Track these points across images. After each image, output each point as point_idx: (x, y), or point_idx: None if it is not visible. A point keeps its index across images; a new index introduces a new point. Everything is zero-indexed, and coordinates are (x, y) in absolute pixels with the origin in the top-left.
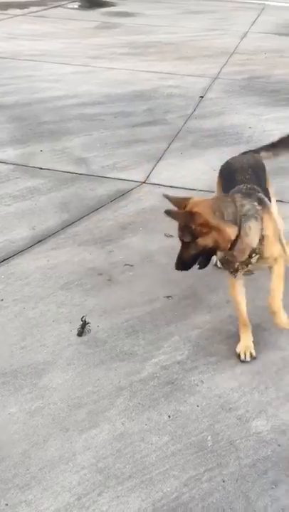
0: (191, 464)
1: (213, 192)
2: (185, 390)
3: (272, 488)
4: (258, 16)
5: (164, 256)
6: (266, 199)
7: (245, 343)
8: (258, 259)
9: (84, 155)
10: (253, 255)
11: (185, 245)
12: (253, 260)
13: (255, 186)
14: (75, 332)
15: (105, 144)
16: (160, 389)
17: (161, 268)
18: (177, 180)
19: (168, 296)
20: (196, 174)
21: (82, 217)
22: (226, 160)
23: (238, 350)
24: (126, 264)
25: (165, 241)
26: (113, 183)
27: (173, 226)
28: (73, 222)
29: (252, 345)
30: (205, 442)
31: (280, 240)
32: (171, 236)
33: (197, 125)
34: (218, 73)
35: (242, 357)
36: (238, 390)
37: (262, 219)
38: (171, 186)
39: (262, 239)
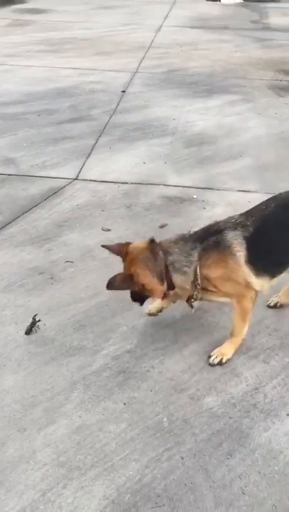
0: (150, 446)
1: (142, 184)
2: (137, 377)
3: (228, 458)
4: (170, 10)
5: (104, 250)
6: (232, 238)
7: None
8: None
9: (11, 155)
10: (192, 300)
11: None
12: (195, 304)
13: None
14: (22, 333)
15: (32, 142)
16: (113, 379)
17: (102, 262)
18: (108, 175)
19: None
20: (127, 168)
21: (16, 218)
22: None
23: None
24: (67, 261)
25: (103, 235)
26: (44, 181)
27: (110, 220)
28: (8, 224)
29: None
30: (161, 424)
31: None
32: (108, 230)
33: (122, 119)
34: (138, 67)
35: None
36: (188, 371)
37: (195, 269)
38: (103, 181)
39: (198, 286)
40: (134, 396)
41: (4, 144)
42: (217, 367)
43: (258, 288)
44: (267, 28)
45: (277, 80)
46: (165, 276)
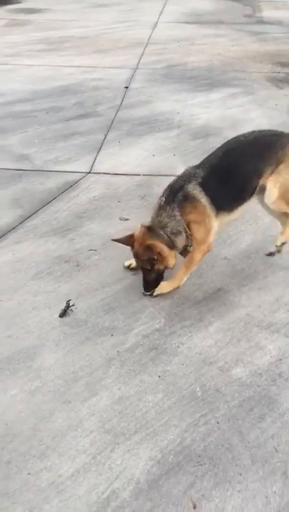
0: (186, 413)
1: (154, 175)
2: (168, 353)
3: (260, 421)
4: (164, 6)
5: None
6: (195, 190)
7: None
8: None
9: (24, 151)
10: (188, 249)
11: (146, 272)
12: (191, 248)
13: (202, 170)
14: (56, 316)
15: (43, 139)
16: (146, 355)
17: (123, 249)
18: (120, 168)
19: (136, 273)
20: (137, 161)
21: (37, 211)
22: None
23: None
24: (90, 250)
25: (121, 224)
26: (60, 175)
27: (127, 210)
28: (29, 216)
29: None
30: (195, 393)
31: None
32: (126, 219)
33: (128, 114)
34: (138, 64)
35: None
36: (215, 346)
37: (183, 224)
38: (115, 174)
39: (190, 236)
40: (167, 369)
41: (17, 141)
42: (242, 340)
43: (215, 231)
44: (261, 21)
45: (275, 72)
46: (171, 243)
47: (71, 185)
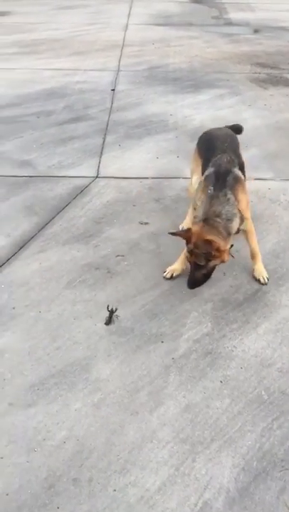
0: (258, 417)
1: (163, 178)
2: (224, 357)
3: None
4: (131, 8)
5: (149, 242)
6: (238, 172)
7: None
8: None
9: (25, 157)
10: (240, 228)
11: (197, 267)
12: (242, 227)
13: (231, 156)
14: (100, 325)
15: (41, 144)
16: (202, 360)
17: (152, 253)
18: (128, 171)
19: (171, 277)
20: (143, 163)
21: (53, 218)
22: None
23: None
24: (118, 255)
25: (143, 228)
26: (67, 180)
27: (144, 214)
28: (47, 224)
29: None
30: (261, 397)
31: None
32: (146, 223)
33: (122, 117)
34: (119, 66)
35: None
36: (268, 347)
37: (237, 207)
38: (124, 177)
39: (242, 216)
40: (227, 374)
41: (14, 147)
42: None
43: None
44: (229, 23)
45: (255, 72)
46: (227, 233)
47: (82, 191)
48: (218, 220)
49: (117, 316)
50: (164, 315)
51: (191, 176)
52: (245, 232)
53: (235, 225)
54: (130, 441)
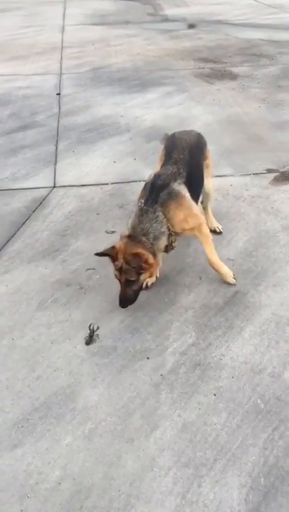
0: (258, 429)
1: (124, 182)
2: (214, 367)
3: None
4: (65, 9)
5: None
6: (177, 186)
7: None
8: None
9: None
10: (172, 246)
11: (128, 284)
12: (176, 243)
13: (180, 168)
14: (80, 347)
15: None
16: (192, 373)
17: None
18: (86, 178)
19: (146, 288)
20: (100, 169)
21: (13, 235)
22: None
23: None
24: (88, 269)
25: (110, 238)
26: (24, 193)
27: (110, 222)
28: (8, 241)
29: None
30: (258, 406)
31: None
32: (113, 232)
33: (71, 122)
34: (61, 69)
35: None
36: (256, 352)
37: (166, 224)
38: (82, 185)
39: (173, 234)
40: (220, 386)
41: None
42: (280, 342)
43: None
44: (166, 19)
45: (199, 68)
46: (155, 249)
47: (40, 203)
48: (144, 239)
49: (97, 335)
50: (145, 328)
51: None
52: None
53: (162, 243)
54: (130, 473)
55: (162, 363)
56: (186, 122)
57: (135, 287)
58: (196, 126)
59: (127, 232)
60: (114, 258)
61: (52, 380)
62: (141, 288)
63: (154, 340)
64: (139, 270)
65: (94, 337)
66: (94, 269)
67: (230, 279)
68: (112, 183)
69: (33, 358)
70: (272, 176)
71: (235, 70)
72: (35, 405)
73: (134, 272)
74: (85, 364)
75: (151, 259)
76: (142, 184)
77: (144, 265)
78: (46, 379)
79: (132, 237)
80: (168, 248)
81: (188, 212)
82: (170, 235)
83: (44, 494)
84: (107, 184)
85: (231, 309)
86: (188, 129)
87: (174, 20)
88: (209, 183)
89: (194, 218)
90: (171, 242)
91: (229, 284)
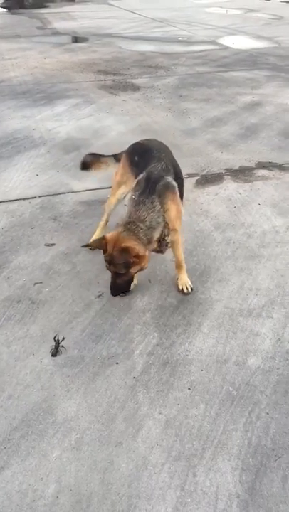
0: (235, 414)
1: (51, 195)
2: (182, 363)
3: None
4: None
5: (63, 263)
6: (171, 180)
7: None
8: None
9: None
10: (166, 239)
11: (118, 275)
12: (168, 238)
13: (168, 164)
14: (47, 361)
15: None
16: (163, 372)
17: (70, 274)
18: (12, 193)
19: (99, 295)
20: (24, 183)
21: None
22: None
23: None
24: (36, 283)
25: (51, 250)
26: None
27: (47, 235)
28: None
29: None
30: (231, 393)
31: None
32: (53, 244)
33: None
34: None
35: (185, 290)
36: (218, 344)
37: (162, 215)
38: (9, 200)
39: (167, 225)
40: (192, 379)
41: None
42: (237, 332)
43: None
44: (56, 33)
45: (101, 80)
46: (149, 239)
47: None
48: (141, 225)
49: (62, 346)
50: (108, 335)
51: (117, 188)
52: (172, 242)
53: (156, 234)
54: (126, 475)
55: (132, 366)
56: (100, 133)
57: (126, 278)
58: (112, 136)
59: (125, 220)
60: (103, 250)
61: (25, 397)
62: (132, 278)
63: (119, 345)
64: (128, 265)
65: (60, 348)
66: (41, 282)
67: (187, 285)
68: (39, 196)
69: (1, 378)
70: (194, 179)
71: (136, 81)
72: (13, 425)
73: (122, 266)
74: (55, 377)
75: (142, 252)
76: (71, 196)
77: (132, 260)
78: (18, 397)
79: (127, 224)
80: (161, 244)
81: (179, 209)
82: (164, 226)
83: (43, 510)
84: (35, 198)
85: (186, 307)
86: (104, 138)
87: (64, 34)
88: None
89: (181, 219)
90: (164, 235)
91: (182, 291)
